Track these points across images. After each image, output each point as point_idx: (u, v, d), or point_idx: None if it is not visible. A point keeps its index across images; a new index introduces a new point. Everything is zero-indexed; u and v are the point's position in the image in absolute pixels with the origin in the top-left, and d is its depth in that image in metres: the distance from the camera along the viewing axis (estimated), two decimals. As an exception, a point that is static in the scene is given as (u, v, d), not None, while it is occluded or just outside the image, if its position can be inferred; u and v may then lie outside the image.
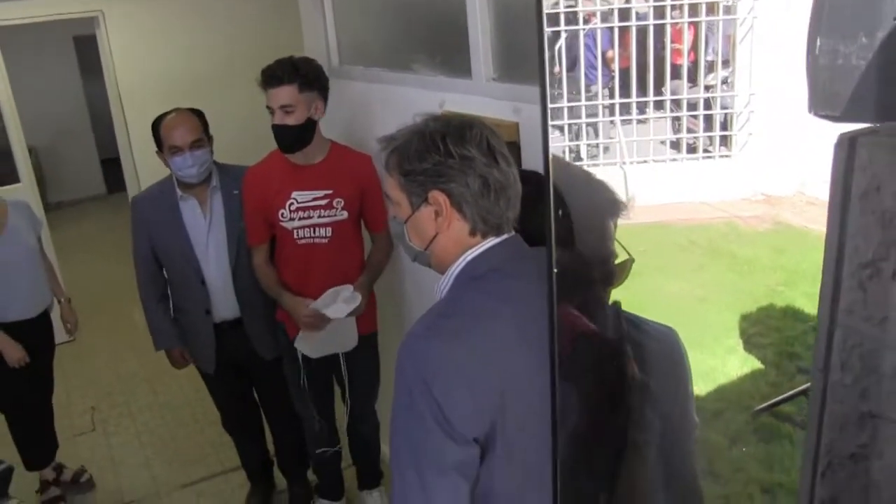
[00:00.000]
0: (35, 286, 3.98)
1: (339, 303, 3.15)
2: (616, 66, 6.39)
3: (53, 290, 4.17)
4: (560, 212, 1.20)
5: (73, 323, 4.25)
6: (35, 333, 4.00)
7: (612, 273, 1.54)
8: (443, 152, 1.55)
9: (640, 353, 1.55)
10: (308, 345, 3.28)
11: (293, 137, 3.06)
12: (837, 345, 1.04)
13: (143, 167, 6.19)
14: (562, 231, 1.25)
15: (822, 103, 1.00)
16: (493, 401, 1.50)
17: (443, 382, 1.48)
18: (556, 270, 1.05)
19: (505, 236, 1.62)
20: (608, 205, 1.58)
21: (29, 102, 8.58)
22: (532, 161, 2.11)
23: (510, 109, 2.30)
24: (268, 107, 3.04)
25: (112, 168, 7.91)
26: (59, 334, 4.29)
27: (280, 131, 3.05)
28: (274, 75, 2.98)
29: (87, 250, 8.65)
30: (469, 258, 1.61)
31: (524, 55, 2.41)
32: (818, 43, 0.98)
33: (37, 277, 3.99)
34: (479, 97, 2.52)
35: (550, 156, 1.08)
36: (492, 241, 1.61)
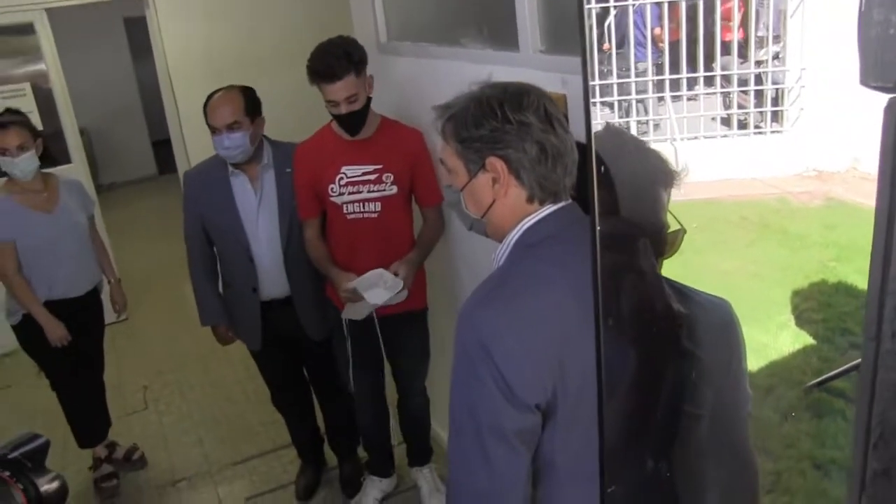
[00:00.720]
0: (83, 265, 4.03)
1: (380, 288, 3.14)
2: (665, 42, 6.32)
3: (104, 270, 4.23)
4: (608, 180, 1.20)
5: (122, 303, 4.32)
6: (82, 312, 4.06)
7: (663, 243, 1.53)
8: (500, 118, 1.54)
9: (692, 324, 1.54)
10: (353, 311, 3.27)
11: (360, 120, 3.10)
12: (889, 313, 1.03)
13: (194, 148, 6.21)
14: (610, 199, 1.26)
15: (874, 74, 0.94)
16: (552, 367, 1.50)
17: (502, 347, 1.48)
18: (598, 229, 1.05)
19: (562, 203, 1.61)
20: (661, 174, 1.56)
21: (80, 84, 8.70)
22: (581, 132, 2.09)
23: (558, 81, 2.29)
24: (328, 100, 3.04)
25: (163, 150, 8.02)
26: (111, 314, 4.36)
27: (350, 120, 3.07)
28: (331, 71, 2.96)
29: (139, 231, 8.79)
30: (526, 226, 1.60)
31: (572, 26, 2.39)
32: (871, 13, 0.92)
33: (85, 256, 4.04)
34: (527, 69, 2.51)
35: (592, 124, 1.07)
36: (549, 209, 1.60)
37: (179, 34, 6.17)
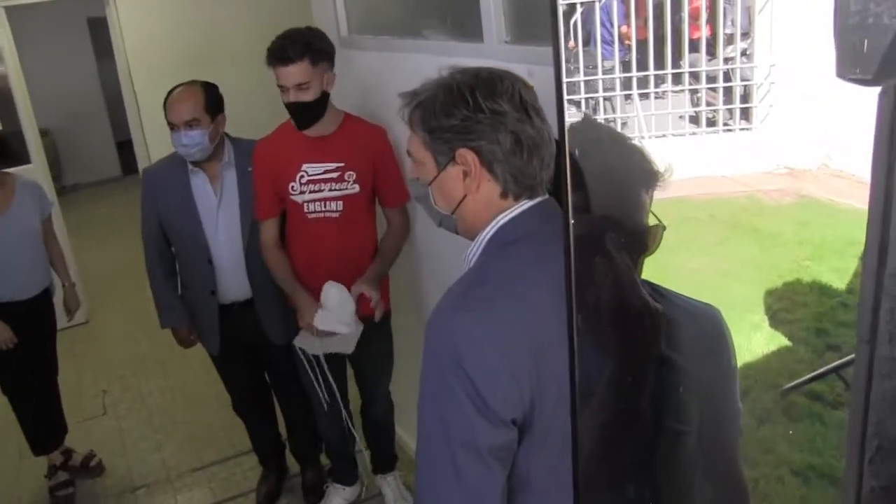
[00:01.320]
0: (33, 267, 3.92)
1: (341, 323, 3.05)
2: (633, 40, 6.27)
3: (59, 273, 4.12)
4: (581, 176, 1.09)
5: (76, 307, 4.20)
6: (31, 314, 3.94)
7: (645, 241, 1.41)
8: (471, 107, 1.44)
9: (677, 333, 1.41)
10: (308, 343, 3.18)
11: (310, 113, 2.98)
12: (885, 314, 0.95)
13: (156, 149, 6.10)
14: (585, 197, 1.16)
15: (852, 66, 0.92)
16: (530, 377, 1.38)
17: (477, 357, 1.36)
18: (571, 224, 0.95)
19: (539, 199, 1.51)
20: (642, 171, 1.42)
21: (44, 85, 8.59)
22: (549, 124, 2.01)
23: (524, 72, 2.19)
24: (279, 85, 2.94)
25: (128, 150, 7.90)
26: (65, 317, 4.24)
27: (297, 109, 2.97)
28: (284, 53, 2.87)
29: (102, 232, 8.67)
30: (501, 223, 1.49)
31: (537, 15, 2.31)
32: (847, 2, 0.90)
33: (34, 259, 3.93)
34: (492, 60, 2.41)
35: (565, 118, 0.97)
36: (525, 205, 1.49)
37: (140, 32, 6.10)
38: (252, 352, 3.66)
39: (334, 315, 3.04)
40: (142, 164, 6.75)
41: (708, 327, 1.50)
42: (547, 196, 1.52)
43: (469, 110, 1.44)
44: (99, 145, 11.12)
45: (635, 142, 1.46)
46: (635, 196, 1.39)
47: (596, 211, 1.19)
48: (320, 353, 3.21)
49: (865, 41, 0.91)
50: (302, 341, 3.19)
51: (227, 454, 4.48)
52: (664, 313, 1.37)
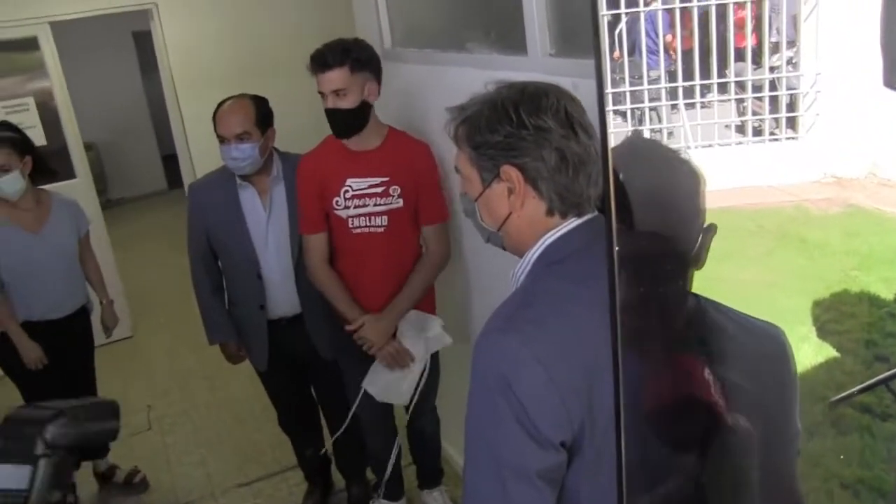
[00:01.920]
0: (68, 287, 3.90)
1: (427, 336, 3.13)
2: (678, 50, 6.23)
3: (96, 291, 4.11)
4: (636, 193, 1.09)
5: (113, 325, 4.18)
6: (66, 333, 3.92)
7: (700, 257, 1.38)
8: (515, 123, 1.43)
9: (739, 352, 1.40)
10: (378, 384, 3.20)
11: (347, 121, 2.97)
12: None
13: (201, 163, 6.17)
14: (642, 215, 1.15)
15: None
16: (581, 400, 1.35)
17: (526, 380, 1.34)
18: (616, 249, 0.94)
19: (587, 216, 1.49)
20: (696, 184, 1.39)
21: (89, 99, 8.70)
22: (597, 139, 2.00)
23: (569, 85, 2.18)
24: (320, 92, 2.95)
25: (173, 164, 7.97)
26: (114, 334, 4.24)
27: (334, 115, 2.96)
28: (323, 59, 2.89)
29: (147, 246, 8.73)
30: (548, 241, 1.47)
31: (582, 28, 2.30)
32: (894, 14, 0.92)
33: (71, 278, 3.92)
34: (536, 73, 2.42)
35: (608, 132, 0.97)
36: (573, 223, 1.48)
37: (184, 46, 6.17)
38: (299, 367, 3.65)
39: (415, 327, 3.12)
40: (186, 177, 6.83)
41: (770, 347, 1.46)
42: (596, 213, 1.50)
43: (513, 126, 1.43)
44: (144, 159, 11.24)
45: (682, 153, 1.43)
46: (688, 207, 1.37)
47: (646, 227, 1.19)
48: (376, 397, 3.23)
49: None
50: (374, 383, 3.21)
51: (272, 470, 4.47)
52: (725, 332, 1.36)
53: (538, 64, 2.44)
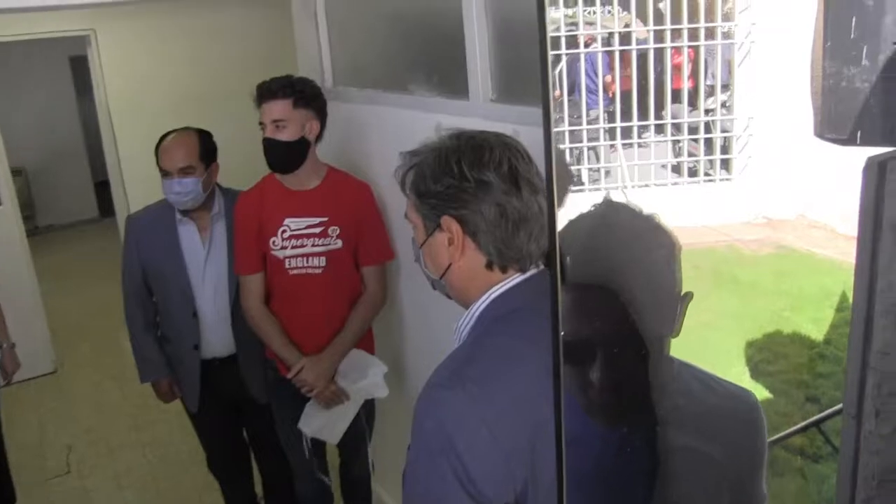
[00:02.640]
0: None
1: (365, 382, 3.08)
2: (617, 90, 6.34)
3: None
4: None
5: (13, 370, 3.90)
6: None
7: (674, 320, 1.34)
8: (457, 175, 1.43)
9: (708, 419, 1.39)
10: (313, 424, 3.14)
11: (283, 154, 2.93)
12: (871, 391, 0.95)
13: (133, 190, 6.11)
14: (619, 289, 1.17)
15: (828, 126, 0.96)
16: (524, 458, 1.33)
17: (469, 438, 1.32)
18: (562, 333, 0.94)
19: (532, 272, 1.48)
20: (671, 250, 1.36)
21: (21, 123, 8.52)
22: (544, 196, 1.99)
23: (510, 132, 2.19)
24: (260, 122, 2.92)
25: (106, 191, 7.84)
26: (35, 368, 4.02)
27: (270, 146, 2.91)
28: (269, 89, 2.87)
29: (75, 276, 8.47)
30: (493, 296, 1.47)
31: (524, 75, 2.31)
32: (823, 66, 0.94)
33: None
34: (477, 119, 2.42)
35: (555, 178, 0.96)
36: (517, 278, 1.47)
37: (121, 73, 6.11)
38: (232, 409, 3.56)
39: (357, 369, 3.08)
40: (119, 205, 6.72)
41: (742, 414, 1.45)
42: (540, 268, 1.50)
43: (454, 178, 1.43)
44: (76, 185, 10.99)
45: (656, 220, 1.42)
46: (667, 279, 1.34)
47: (625, 304, 1.18)
48: (310, 435, 3.18)
49: (839, 103, 0.94)
50: (310, 424, 3.15)
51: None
52: (701, 400, 1.35)
53: (479, 109, 2.44)
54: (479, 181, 1.43)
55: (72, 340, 6.68)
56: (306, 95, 2.91)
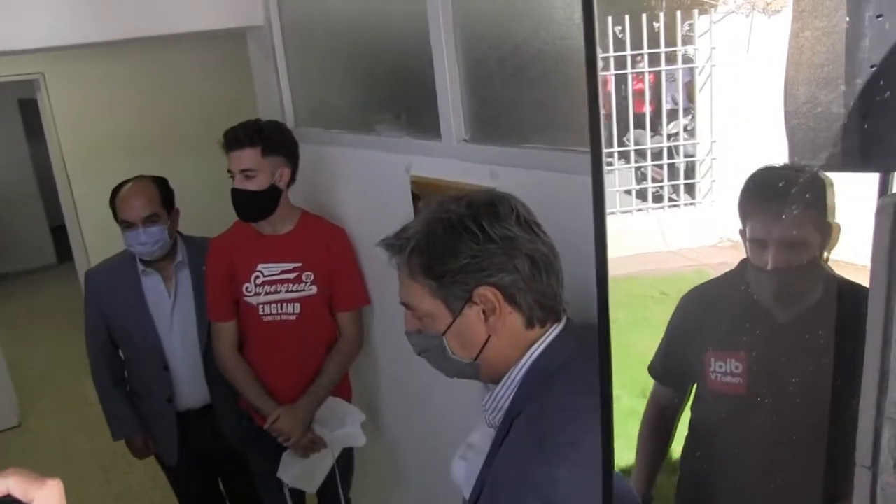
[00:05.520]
0: None
1: (348, 428, 3.04)
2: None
3: None
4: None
5: None
6: None
7: None
8: (480, 239, 1.33)
9: None
10: (291, 472, 3.07)
11: (252, 204, 2.88)
12: (887, 442, 0.92)
13: (91, 234, 6.04)
14: None
15: (803, 152, 0.97)
16: None
17: None
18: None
19: (564, 320, 1.40)
20: None
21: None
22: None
23: (486, 173, 2.14)
24: (229, 171, 2.86)
25: (63, 236, 7.73)
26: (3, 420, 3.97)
27: (239, 196, 2.86)
28: (236, 137, 2.81)
29: (36, 323, 8.29)
30: (534, 356, 1.37)
31: (499, 114, 2.26)
32: (796, 92, 0.95)
33: None
34: (450, 160, 2.36)
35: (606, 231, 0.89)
36: (555, 329, 1.38)
37: (73, 117, 6.08)
38: (208, 460, 3.49)
39: (335, 418, 3.04)
40: (77, 249, 6.61)
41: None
42: (567, 318, 1.42)
43: (478, 243, 1.33)
44: (32, 231, 10.81)
45: None
46: None
47: None
48: (289, 484, 3.11)
49: (814, 129, 0.93)
50: (287, 473, 3.08)
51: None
52: None
53: (452, 149, 2.37)
54: (504, 238, 1.34)
55: (35, 392, 6.51)
56: (275, 142, 2.86)
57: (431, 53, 2.37)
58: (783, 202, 1.41)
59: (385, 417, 3.35)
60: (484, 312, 1.35)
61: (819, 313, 1.39)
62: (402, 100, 2.86)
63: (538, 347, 1.37)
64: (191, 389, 3.27)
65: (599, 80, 0.81)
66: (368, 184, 2.94)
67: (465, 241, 1.34)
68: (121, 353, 3.31)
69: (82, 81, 5.99)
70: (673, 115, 6.34)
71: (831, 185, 1.40)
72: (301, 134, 3.44)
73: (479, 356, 1.39)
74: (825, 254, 1.40)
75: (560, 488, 1.23)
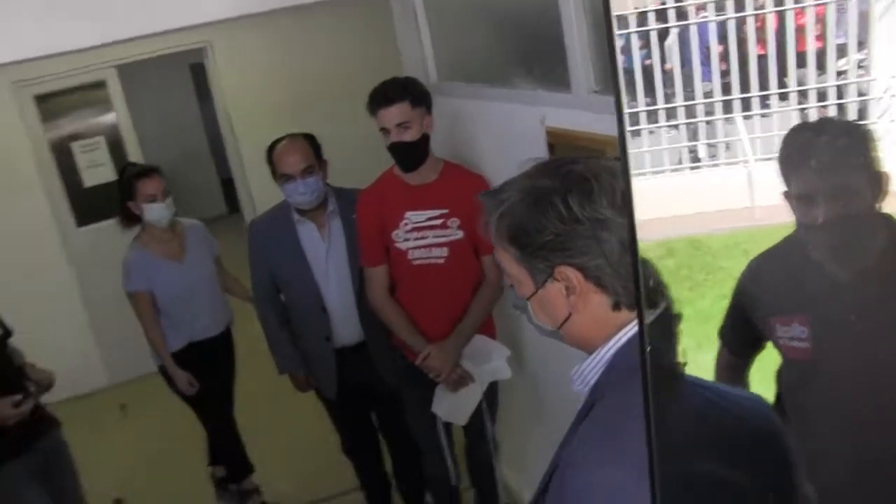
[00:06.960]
0: (214, 309, 4.04)
1: (488, 366, 3.17)
2: (734, 60, 6.09)
3: (239, 296, 4.19)
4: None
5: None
6: (220, 351, 4.10)
7: None
8: (566, 218, 1.22)
9: (729, 445, 1.22)
10: (443, 406, 3.24)
11: (413, 154, 3.02)
12: None
13: (258, 189, 6.30)
14: None
15: None
16: None
17: None
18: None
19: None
20: None
21: (150, 130, 8.87)
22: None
23: (614, 123, 2.10)
24: (381, 128, 2.99)
25: (233, 189, 8.04)
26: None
27: (399, 149, 3.00)
28: (385, 95, 2.94)
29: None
30: (624, 339, 1.27)
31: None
32: None
33: (214, 300, 4.04)
34: (580, 111, 2.34)
35: (631, 180, 0.85)
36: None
37: (237, 80, 6.42)
38: (362, 395, 3.68)
39: (481, 353, 3.18)
40: (245, 203, 6.92)
41: (760, 432, 1.28)
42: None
43: (563, 222, 1.23)
44: (204, 184, 11.34)
45: None
46: None
47: None
48: (441, 417, 3.30)
49: None
50: (441, 407, 3.26)
51: (333, 491, 4.49)
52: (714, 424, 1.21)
53: (582, 101, 2.35)
54: (594, 220, 1.23)
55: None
56: (419, 94, 2.99)
57: (559, 7, 2.35)
58: (826, 153, 1.29)
59: (528, 354, 3.43)
60: (566, 289, 1.27)
61: (885, 266, 1.27)
62: (535, 54, 2.85)
63: (629, 331, 1.27)
64: (346, 328, 3.47)
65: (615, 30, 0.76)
66: (505, 135, 2.99)
67: (550, 217, 1.24)
68: (282, 296, 3.55)
69: (244, 49, 6.28)
70: (842, 50, 5.97)
71: (875, 137, 1.29)
72: (442, 88, 3.50)
73: (561, 327, 1.33)
74: (877, 204, 1.27)
75: (619, 494, 1.18)
